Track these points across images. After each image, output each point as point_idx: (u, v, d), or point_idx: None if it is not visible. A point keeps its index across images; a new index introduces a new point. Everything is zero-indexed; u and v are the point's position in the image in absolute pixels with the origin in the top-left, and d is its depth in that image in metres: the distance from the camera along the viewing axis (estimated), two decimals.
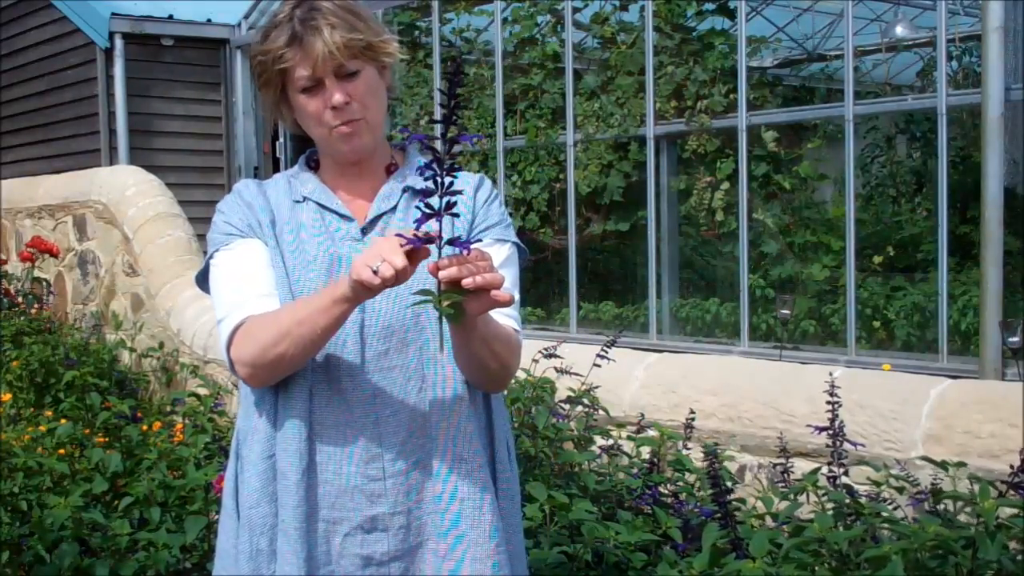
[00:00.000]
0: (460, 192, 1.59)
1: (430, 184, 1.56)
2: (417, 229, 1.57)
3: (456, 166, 1.56)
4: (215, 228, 1.86)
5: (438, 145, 1.55)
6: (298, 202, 1.85)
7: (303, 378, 1.76)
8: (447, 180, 1.56)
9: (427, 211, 1.56)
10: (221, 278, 1.81)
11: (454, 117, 1.54)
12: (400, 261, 1.53)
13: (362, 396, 1.76)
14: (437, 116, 7.33)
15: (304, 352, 1.69)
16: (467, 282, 1.52)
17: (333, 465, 1.75)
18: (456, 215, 1.61)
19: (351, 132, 1.79)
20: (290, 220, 1.83)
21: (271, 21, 1.81)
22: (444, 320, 1.58)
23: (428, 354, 1.78)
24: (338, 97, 1.76)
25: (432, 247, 1.57)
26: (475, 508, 1.78)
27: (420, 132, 7.29)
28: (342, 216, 1.83)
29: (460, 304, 1.55)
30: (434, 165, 1.55)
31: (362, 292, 1.60)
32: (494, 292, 1.55)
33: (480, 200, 1.88)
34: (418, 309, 1.74)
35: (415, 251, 1.55)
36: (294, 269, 1.79)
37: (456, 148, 1.55)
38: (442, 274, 1.54)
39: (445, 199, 1.56)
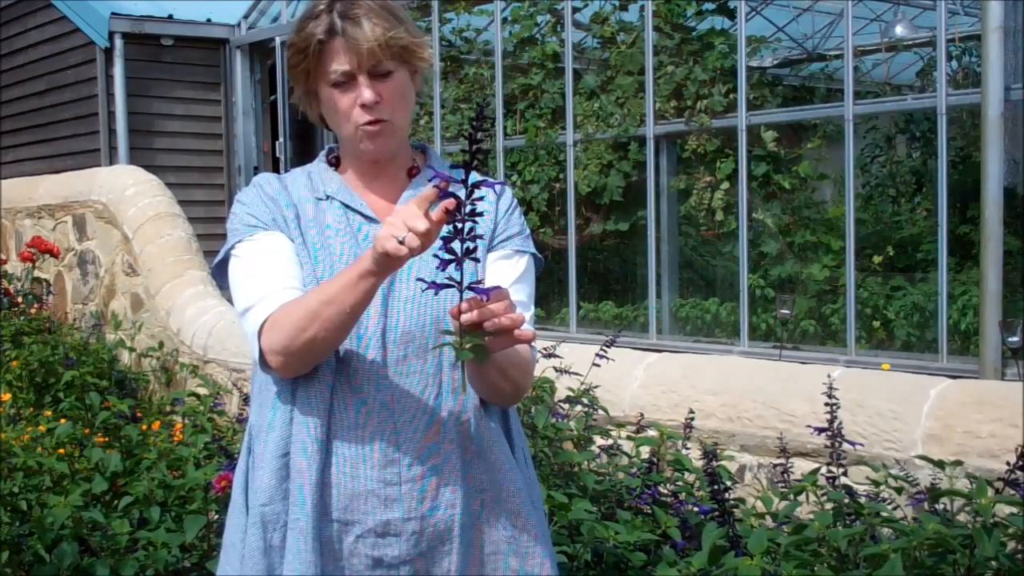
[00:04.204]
0: (481, 236, 1.59)
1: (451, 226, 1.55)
2: (441, 270, 1.56)
3: (479, 211, 1.56)
4: (236, 219, 1.83)
5: (461, 191, 1.53)
6: (321, 199, 1.84)
7: (324, 379, 1.74)
8: (467, 224, 1.55)
9: (448, 257, 1.56)
10: (245, 269, 1.79)
11: (475, 161, 1.54)
12: (423, 225, 1.52)
13: (381, 400, 1.75)
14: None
15: (334, 334, 1.67)
16: (489, 325, 1.53)
17: (349, 468, 1.74)
18: (477, 260, 1.60)
19: (377, 132, 1.78)
20: (314, 218, 1.81)
21: (309, 11, 1.78)
22: (464, 359, 1.58)
23: (447, 361, 1.77)
24: (369, 95, 1.75)
25: (452, 257, 1.56)
26: (492, 515, 1.78)
27: (420, 132, 7.31)
28: (367, 217, 1.82)
29: (483, 346, 1.55)
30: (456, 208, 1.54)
31: (387, 264, 1.58)
32: (516, 331, 1.55)
33: (502, 209, 1.87)
34: (439, 315, 1.74)
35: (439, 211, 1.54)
36: (321, 267, 1.77)
37: (477, 193, 1.54)
38: (464, 318, 1.53)
39: (465, 244, 1.56)
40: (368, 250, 1.61)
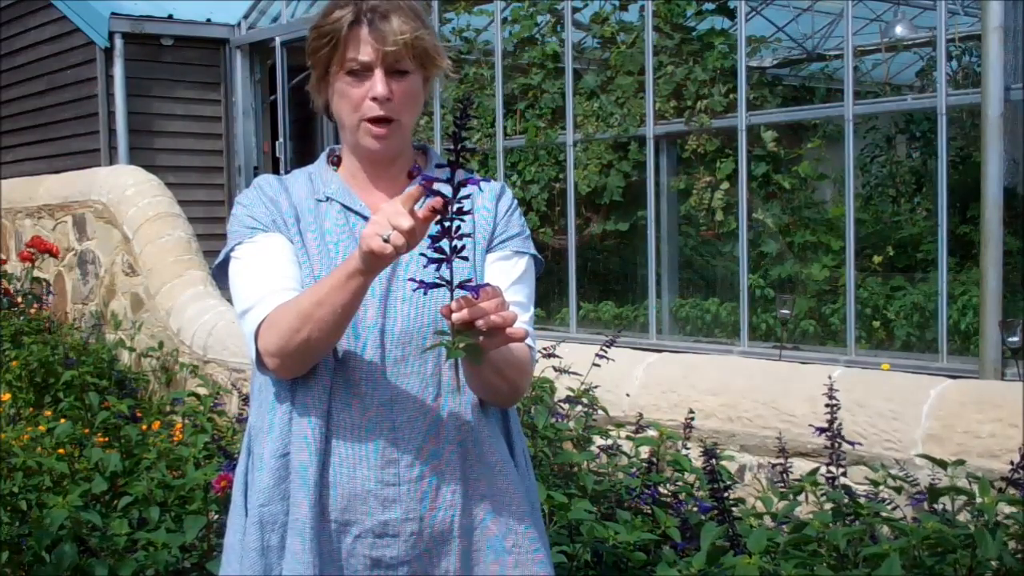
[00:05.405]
0: (469, 235, 1.58)
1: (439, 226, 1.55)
2: (435, 269, 1.56)
3: (465, 210, 1.55)
4: (236, 221, 1.83)
5: (446, 189, 1.53)
6: (321, 201, 1.84)
7: (322, 379, 1.74)
8: (455, 223, 1.55)
9: (437, 256, 1.55)
10: (244, 271, 1.79)
11: (460, 160, 1.53)
12: (407, 223, 1.51)
13: (379, 400, 1.75)
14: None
15: (328, 335, 1.67)
16: (481, 323, 1.53)
17: (347, 468, 1.74)
18: (465, 258, 1.60)
19: (382, 135, 1.78)
20: (314, 219, 1.82)
21: (336, 0, 1.80)
22: (459, 359, 1.58)
23: (445, 361, 1.77)
24: (381, 89, 1.75)
25: (442, 255, 1.56)
26: (491, 516, 1.78)
27: (420, 132, 7.30)
28: (366, 218, 1.81)
29: (476, 345, 1.55)
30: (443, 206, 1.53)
31: (374, 263, 1.58)
32: (508, 330, 1.55)
33: (501, 210, 1.87)
34: (437, 316, 1.73)
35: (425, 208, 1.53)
36: (320, 269, 1.77)
37: (463, 191, 1.54)
38: (455, 317, 1.53)
39: (454, 243, 1.55)
40: (356, 249, 1.61)
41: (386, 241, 1.52)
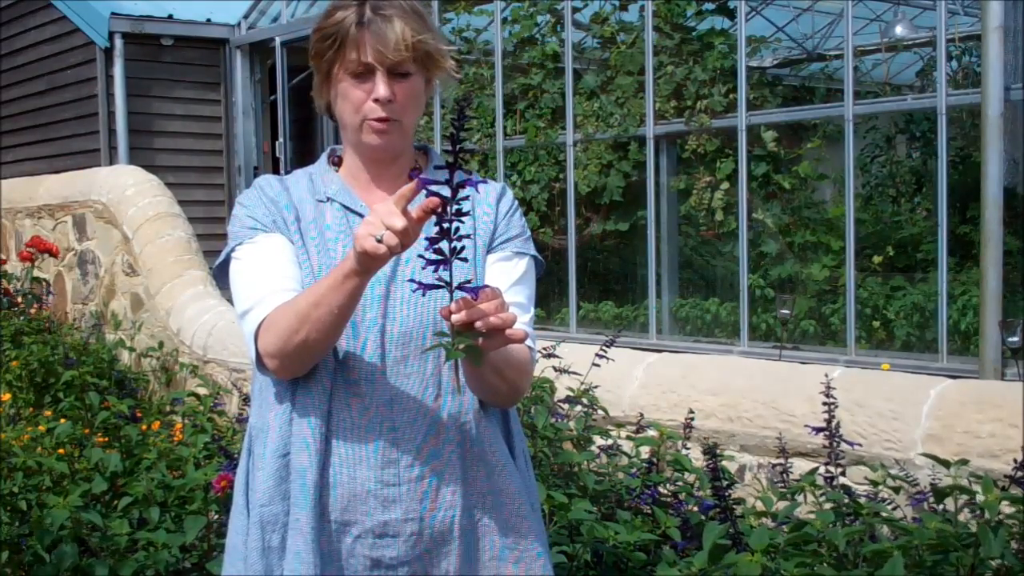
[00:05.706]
0: (468, 236, 1.58)
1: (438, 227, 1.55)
2: (433, 271, 1.56)
3: (464, 211, 1.55)
4: (237, 221, 1.84)
5: (445, 190, 1.53)
6: (321, 201, 1.84)
7: (323, 380, 1.75)
8: (454, 224, 1.55)
9: (435, 257, 1.55)
10: (244, 271, 1.80)
11: (459, 161, 1.53)
12: (400, 223, 1.52)
13: (380, 401, 1.75)
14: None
15: (325, 335, 1.67)
16: (480, 325, 1.53)
17: (348, 468, 1.75)
18: (465, 260, 1.60)
19: (384, 130, 1.78)
20: (315, 219, 1.82)
21: (338, 2, 1.80)
22: (459, 360, 1.58)
23: (445, 362, 1.78)
24: (383, 91, 1.75)
25: (441, 259, 1.56)
26: (491, 517, 1.78)
27: (420, 132, 7.30)
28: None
29: (476, 347, 1.55)
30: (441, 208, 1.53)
31: (368, 263, 1.58)
32: (508, 331, 1.55)
33: (502, 211, 1.87)
34: (437, 317, 1.73)
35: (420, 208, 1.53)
36: (321, 269, 1.77)
37: (462, 192, 1.54)
38: (454, 318, 1.53)
39: (453, 244, 1.55)
40: (351, 250, 1.61)
41: (379, 241, 1.53)
